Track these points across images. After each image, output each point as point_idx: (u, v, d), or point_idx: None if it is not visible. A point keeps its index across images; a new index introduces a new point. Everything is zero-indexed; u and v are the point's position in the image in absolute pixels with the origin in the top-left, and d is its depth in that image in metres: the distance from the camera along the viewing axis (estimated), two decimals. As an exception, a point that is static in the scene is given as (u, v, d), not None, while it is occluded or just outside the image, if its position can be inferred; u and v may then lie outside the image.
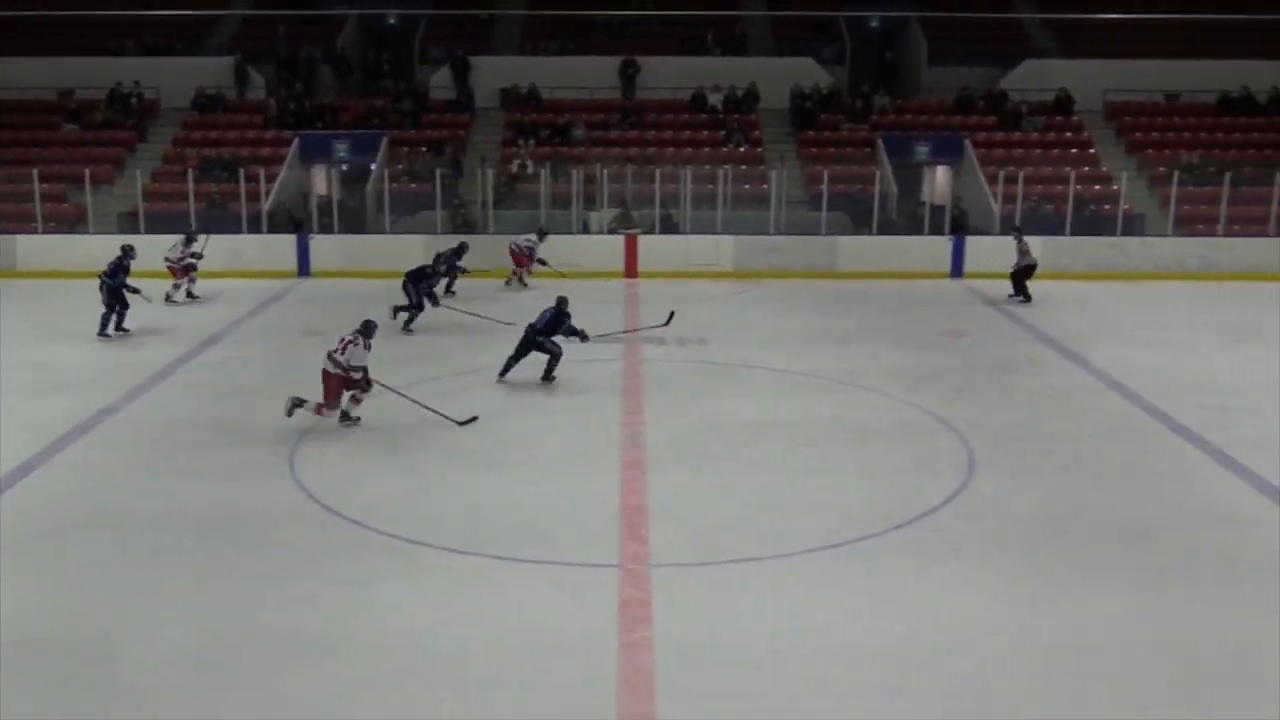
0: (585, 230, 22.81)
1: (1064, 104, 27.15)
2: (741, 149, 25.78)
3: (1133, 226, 23.33)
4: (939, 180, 26.34)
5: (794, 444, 11.80)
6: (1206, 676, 7.28)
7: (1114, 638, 7.76)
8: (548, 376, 13.72)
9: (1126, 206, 23.45)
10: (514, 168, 24.79)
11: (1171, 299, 19.95)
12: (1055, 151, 26.06)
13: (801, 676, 7.26)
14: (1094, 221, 23.29)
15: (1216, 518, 9.93)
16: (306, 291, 20.21)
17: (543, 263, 20.39)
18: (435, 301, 17.28)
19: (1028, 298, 19.60)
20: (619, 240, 21.92)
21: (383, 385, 12.16)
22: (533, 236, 20.70)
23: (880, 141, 25.38)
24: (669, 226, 23.06)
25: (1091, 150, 26.24)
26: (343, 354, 11.65)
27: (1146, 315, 18.62)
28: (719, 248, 21.81)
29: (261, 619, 7.87)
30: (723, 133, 26.26)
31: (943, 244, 22.19)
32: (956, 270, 21.99)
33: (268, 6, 29.57)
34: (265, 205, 22.63)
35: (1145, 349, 16.10)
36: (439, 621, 7.88)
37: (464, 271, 19.41)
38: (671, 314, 16.68)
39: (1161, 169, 24.83)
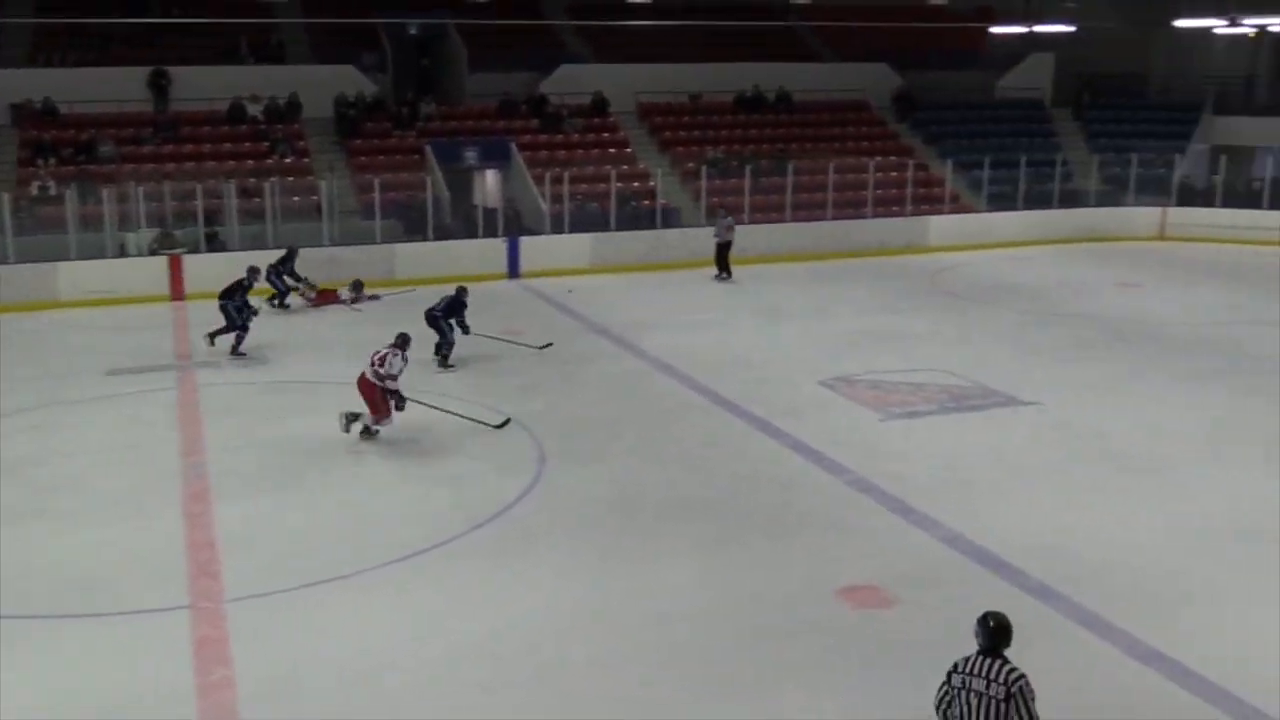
0: (123, 253, 21.22)
1: (600, 106, 28.56)
2: (287, 160, 24.99)
3: (670, 219, 24.98)
4: (489, 183, 26.89)
5: (369, 458, 11.65)
6: (768, 631, 7.97)
7: (686, 606, 8.34)
8: (445, 364, 15.05)
9: (663, 201, 25.10)
10: (34, 190, 22.59)
11: (710, 285, 21.52)
12: (596, 151, 27.33)
13: (396, 688, 7.22)
14: (635, 216, 24.71)
15: (765, 482, 10.90)
16: None
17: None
18: (255, 311, 16.46)
19: (728, 274, 21.62)
20: (161, 262, 20.58)
21: (415, 400, 12.18)
22: (348, 292, 20.08)
23: (429, 148, 25.50)
24: (215, 244, 21.94)
25: (629, 149, 27.78)
26: (381, 365, 11.76)
27: (689, 302, 19.98)
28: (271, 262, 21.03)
29: None
30: (266, 144, 25.33)
31: (497, 245, 22.66)
32: (513, 270, 22.53)
33: None
34: None
35: (691, 333, 17.29)
36: (-16, 697, 7.09)
37: (307, 283, 19.63)
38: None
39: (690, 164, 26.78)
